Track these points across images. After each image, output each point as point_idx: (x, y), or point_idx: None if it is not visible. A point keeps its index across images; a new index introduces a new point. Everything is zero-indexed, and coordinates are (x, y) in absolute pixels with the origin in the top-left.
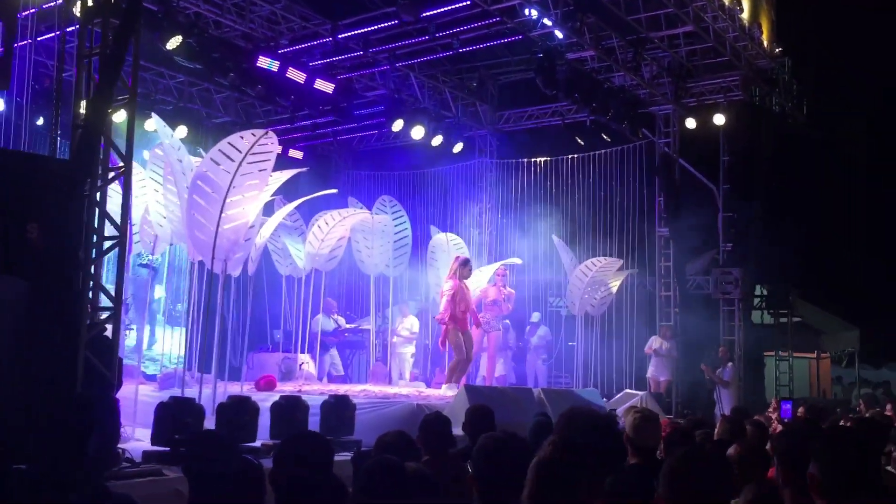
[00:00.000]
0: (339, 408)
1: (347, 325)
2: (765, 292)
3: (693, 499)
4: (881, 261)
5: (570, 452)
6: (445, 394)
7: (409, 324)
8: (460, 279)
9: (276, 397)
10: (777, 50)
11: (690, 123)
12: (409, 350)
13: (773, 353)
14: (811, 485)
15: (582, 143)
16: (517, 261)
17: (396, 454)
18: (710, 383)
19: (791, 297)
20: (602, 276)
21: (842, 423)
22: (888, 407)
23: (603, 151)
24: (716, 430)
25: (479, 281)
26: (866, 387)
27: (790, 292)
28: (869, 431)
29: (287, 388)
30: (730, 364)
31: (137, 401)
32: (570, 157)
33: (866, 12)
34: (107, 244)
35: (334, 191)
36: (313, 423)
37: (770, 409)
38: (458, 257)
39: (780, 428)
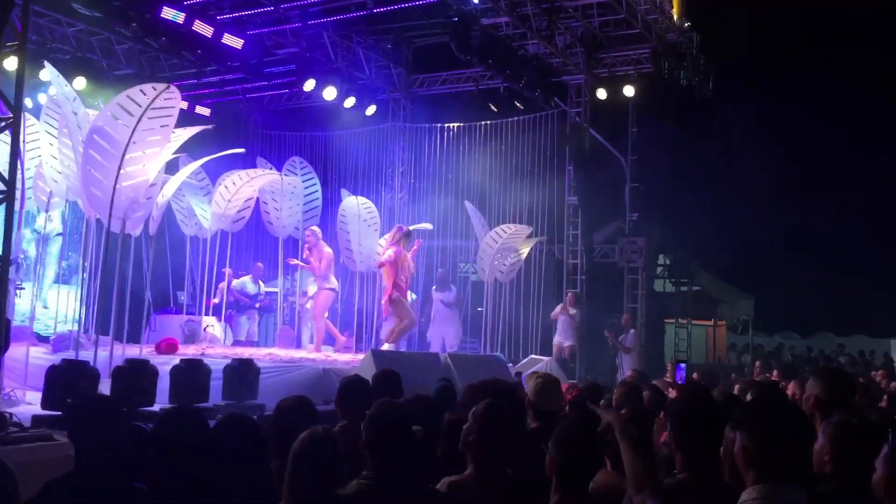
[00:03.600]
0: (242, 372)
1: (265, 290)
2: (667, 262)
3: (576, 462)
4: (777, 233)
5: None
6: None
7: None
8: (403, 248)
9: (176, 360)
10: (686, 24)
11: (601, 94)
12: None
13: (673, 321)
14: (741, 456)
15: (495, 109)
16: (428, 226)
17: (295, 420)
18: (612, 349)
19: (692, 267)
20: (512, 242)
21: (736, 387)
22: (775, 372)
23: (515, 119)
24: (613, 395)
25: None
26: (759, 352)
27: (691, 262)
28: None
29: (190, 351)
30: (632, 331)
31: (29, 363)
32: (482, 123)
33: None
34: None
35: (241, 150)
36: (216, 387)
37: (667, 375)
38: (400, 227)
39: (674, 392)
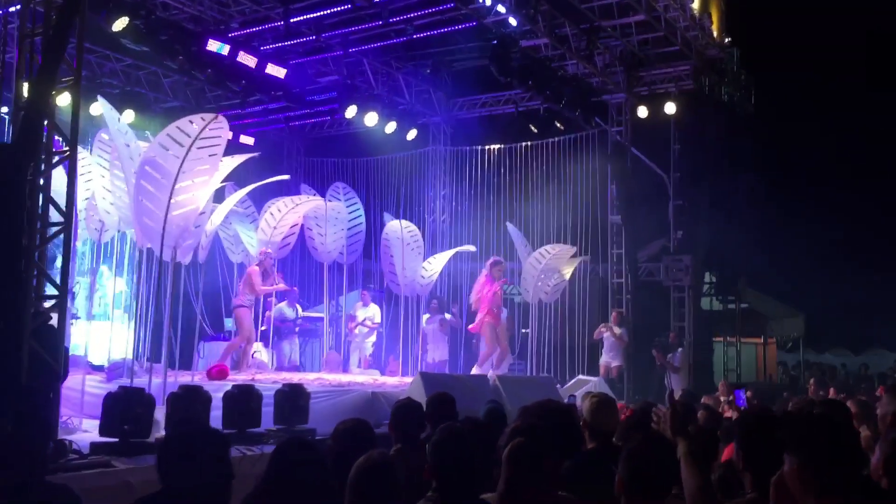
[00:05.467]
0: (293, 397)
1: (304, 314)
2: (714, 279)
3: (649, 481)
4: (826, 249)
5: (530, 439)
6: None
7: (371, 313)
8: (495, 279)
9: (228, 387)
10: (726, 40)
11: (642, 112)
12: (371, 339)
13: (721, 339)
14: (799, 476)
15: (535, 130)
16: (471, 248)
17: (354, 442)
18: (660, 368)
19: (739, 284)
20: (555, 263)
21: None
22: (831, 391)
23: (556, 139)
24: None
25: (437, 268)
26: (810, 370)
27: (738, 279)
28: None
29: (240, 377)
30: (679, 349)
31: (84, 391)
32: (523, 144)
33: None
34: (52, 230)
35: (286, 177)
36: (267, 412)
37: (718, 393)
38: (490, 259)
39: (732, 414)
